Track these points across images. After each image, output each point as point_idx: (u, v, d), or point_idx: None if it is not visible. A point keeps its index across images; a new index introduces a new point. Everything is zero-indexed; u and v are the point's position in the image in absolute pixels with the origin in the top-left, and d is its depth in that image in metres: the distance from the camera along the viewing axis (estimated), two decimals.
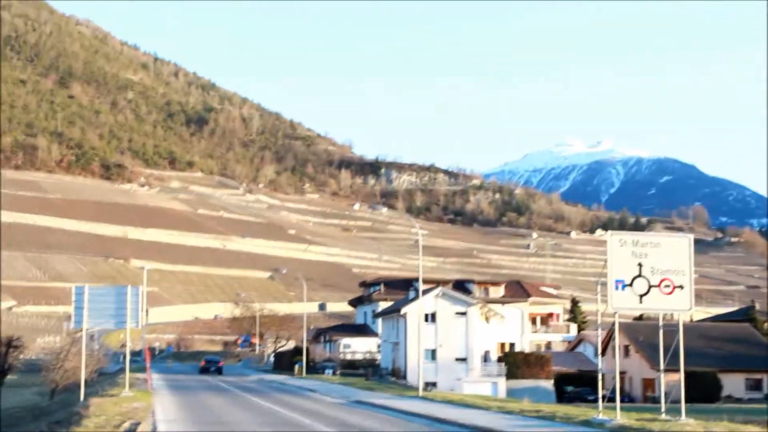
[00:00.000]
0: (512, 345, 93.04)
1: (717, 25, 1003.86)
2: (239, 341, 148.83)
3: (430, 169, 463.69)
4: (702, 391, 67.07)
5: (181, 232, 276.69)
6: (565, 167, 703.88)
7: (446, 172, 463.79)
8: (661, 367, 33.65)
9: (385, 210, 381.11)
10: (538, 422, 32.86)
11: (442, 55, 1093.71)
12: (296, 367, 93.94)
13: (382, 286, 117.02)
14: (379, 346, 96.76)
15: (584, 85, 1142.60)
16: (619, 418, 30.81)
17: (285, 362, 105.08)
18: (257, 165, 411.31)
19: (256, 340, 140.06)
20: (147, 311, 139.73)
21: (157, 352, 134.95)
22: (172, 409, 39.73)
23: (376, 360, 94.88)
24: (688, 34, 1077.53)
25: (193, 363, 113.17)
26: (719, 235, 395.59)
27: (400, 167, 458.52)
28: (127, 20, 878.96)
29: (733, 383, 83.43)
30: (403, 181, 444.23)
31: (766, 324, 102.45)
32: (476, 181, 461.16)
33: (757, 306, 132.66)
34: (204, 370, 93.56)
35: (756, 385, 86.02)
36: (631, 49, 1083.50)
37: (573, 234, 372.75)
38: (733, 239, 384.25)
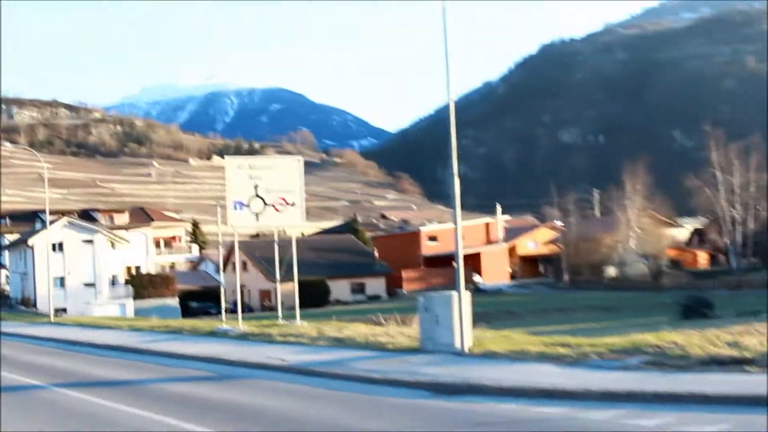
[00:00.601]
0: (138, 268, 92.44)
1: None
2: None
3: (52, 104, 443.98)
4: (313, 297, 69.62)
5: None
6: (183, 99, 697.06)
7: (68, 106, 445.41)
8: (277, 277, 34.82)
9: (8, 145, 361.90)
10: (167, 336, 33.14)
11: None
12: None
13: (7, 219, 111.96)
14: (7, 278, 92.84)
15: (197, 17, 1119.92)
16: (241, 326, 31.69)
17: None
18: None
19: None
20: None
21: None
22: None
23: (5, 291, 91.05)
24: None
25: None
26: (324, 156, 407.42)
27: (21, 103, 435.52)
28: None
29: (340, 288, 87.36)
30: (25, 117, 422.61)
31: (366, 233, 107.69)
32: (98, 114, 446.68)
33: (359, 219, 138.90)
34: None
35: (360, 289, 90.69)
36: None
37: (191, 161, 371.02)
38: (336, 160, 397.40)
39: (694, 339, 18.98)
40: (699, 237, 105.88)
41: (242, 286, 52.67)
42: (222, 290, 37.22)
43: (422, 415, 14.19)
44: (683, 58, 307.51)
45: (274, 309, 37.36)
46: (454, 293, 21.05)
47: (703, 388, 13.88)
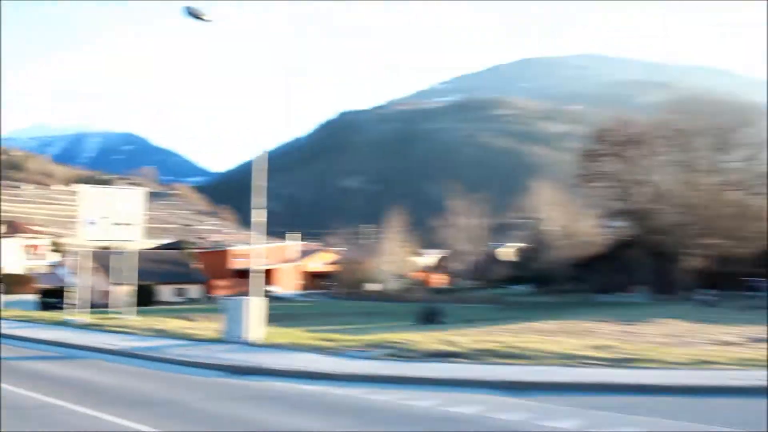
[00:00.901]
0: (8, 269, 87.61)
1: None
2: None
3: None
4: (144, 298, 67.29)
5: None
6: (55, 137, 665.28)
7: None
8: (115, 281, 33.85)
9: None
10: (25, 324, 31.62)
11: None
12: None
13: None
14: None
15: (70, 69, 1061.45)
16: (84, 318, 30.66)
17: None
18: None
19: None
20: None
21: None
22: None
23: None
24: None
25: None
26: (164, 188, 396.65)
27: None
28: None
29: (166, 292, 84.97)
30: None
31: (191, 250, 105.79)
32: None
33: (187, 238, 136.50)
34: None
35: (181, 293, 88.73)
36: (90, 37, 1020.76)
37: (58, 187, 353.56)
38: (173, 192, 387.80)
39: (424, 338, 19.80)
40: (440, 263, 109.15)
41: (90, 287, 50.71)
42: (68, 289, 35.74)
43: (217, 389, 14.25)
44: (437, 130, 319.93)
45: (114, 306, 36.22)
46: (248, 298, 21.25)
47: (426, 373, 14.57)
